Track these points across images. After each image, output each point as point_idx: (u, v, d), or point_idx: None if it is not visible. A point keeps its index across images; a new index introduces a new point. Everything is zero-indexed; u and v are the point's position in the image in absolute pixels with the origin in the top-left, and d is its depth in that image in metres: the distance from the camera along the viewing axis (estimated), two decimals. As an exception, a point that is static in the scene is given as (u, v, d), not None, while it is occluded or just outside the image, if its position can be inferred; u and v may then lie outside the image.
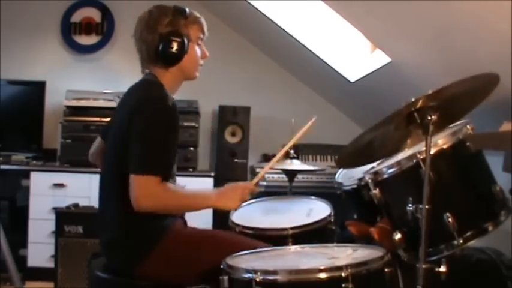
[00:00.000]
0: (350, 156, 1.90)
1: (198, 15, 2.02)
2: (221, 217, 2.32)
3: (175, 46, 1.91)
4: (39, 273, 3.64)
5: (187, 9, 1.98)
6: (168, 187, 1.82)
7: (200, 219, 2.14)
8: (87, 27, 4.51)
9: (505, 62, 2.28)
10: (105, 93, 4.07)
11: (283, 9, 3.73)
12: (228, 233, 2.17)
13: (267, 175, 3.95)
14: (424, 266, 1.60)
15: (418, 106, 1.67)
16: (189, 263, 1.86)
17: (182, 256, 1.86)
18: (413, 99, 1.64)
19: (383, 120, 1.67)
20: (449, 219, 1.73)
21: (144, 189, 1.75)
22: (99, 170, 2.06)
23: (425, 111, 1.66)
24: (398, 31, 2.87)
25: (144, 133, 1.81)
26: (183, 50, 1.93)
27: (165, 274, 1.84)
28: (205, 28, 2.03)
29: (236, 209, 2.11)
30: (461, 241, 1.74)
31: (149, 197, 1.76)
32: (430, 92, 1.61)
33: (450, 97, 1.66)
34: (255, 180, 2.02)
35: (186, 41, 1.93)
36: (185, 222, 2.05)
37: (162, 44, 1.91)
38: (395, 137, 1.81)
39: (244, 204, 2.45)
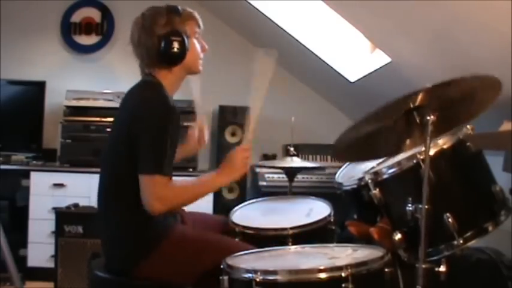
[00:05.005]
0: (348, 150, 1.87)
1: (190, 10, 2.02)
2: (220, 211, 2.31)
3: (176, 46, 1.91)
4: (39, 273, 3.63)
5: (179, 7, 1.99)
6: (175, 186, 1.86)
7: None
8: (87, 27, 4.50)
9: (505, 62, 2.28)
10: (105, 93, 4.06)
11: (283, 9, 3.73)
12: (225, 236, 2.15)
13: (266, 175, 3.96)
14: (424, 266, 1.60)
15: (416, 102, 1.65)
16: (189, 264, 1.86)
17: (182, 257, 1.86)
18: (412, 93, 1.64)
19: (377, 111, 1.66)
20: (449, 219, 1.73)
21: (154, 192, 1.77)
22: (99, 169, 2.05)
23: (424, 110, 1.66)
24: (399, 31, 2.87)
25: (148, 134, 1.81)
26: (184, 48, 1.93)
27: (165, 274, 1.84)
28: (200, 22, 2.04)
29: (246, 173, 2.05)
30: (461, 241, 1.74)
31: (161, 200, 1.78)
32: (429, 85, 1.59)
33: (450, 97, 1.66)
34: (248, 137, 2.03)
35: (185, 38, 1.94)
36: (183, 219, 2.06)
37: (163, 45, 1.90)
38: (396, 136, 1.80)
39: (242, 204, 2.46)
